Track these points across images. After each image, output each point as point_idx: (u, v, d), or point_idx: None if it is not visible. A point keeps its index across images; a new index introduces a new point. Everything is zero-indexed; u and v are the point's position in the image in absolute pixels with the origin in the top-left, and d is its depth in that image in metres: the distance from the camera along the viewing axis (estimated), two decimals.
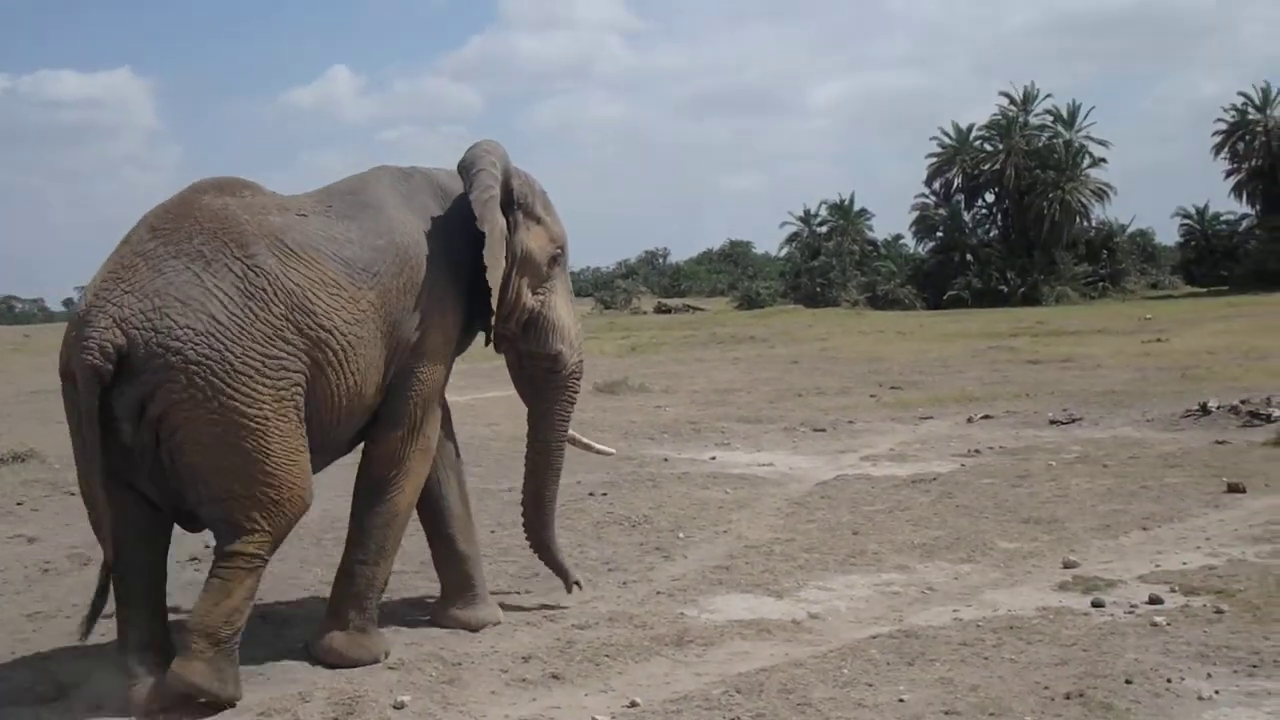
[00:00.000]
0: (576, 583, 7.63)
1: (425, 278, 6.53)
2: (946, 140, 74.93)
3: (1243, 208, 78.02)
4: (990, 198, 74.58)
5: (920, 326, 42.50)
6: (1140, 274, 78.55)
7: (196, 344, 5.56)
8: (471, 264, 6.67)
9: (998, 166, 71.53)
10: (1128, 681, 5.66)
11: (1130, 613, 6.88)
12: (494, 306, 6.73)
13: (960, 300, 65.08)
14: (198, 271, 5.72)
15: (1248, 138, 74.20)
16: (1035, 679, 5.77)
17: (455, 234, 6.75)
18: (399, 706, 5.67)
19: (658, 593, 7.70)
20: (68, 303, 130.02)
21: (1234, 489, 10.23)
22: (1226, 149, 75.51)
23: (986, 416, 16.12)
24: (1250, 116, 74.41)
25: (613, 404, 18.61)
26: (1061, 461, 12.25)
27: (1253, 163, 73.96)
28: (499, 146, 7.02)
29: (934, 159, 75.33)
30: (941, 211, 74.91)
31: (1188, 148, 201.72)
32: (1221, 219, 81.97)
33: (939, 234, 74.36)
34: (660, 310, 70.37)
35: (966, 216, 74.98)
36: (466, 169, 6.85)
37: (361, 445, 6.76)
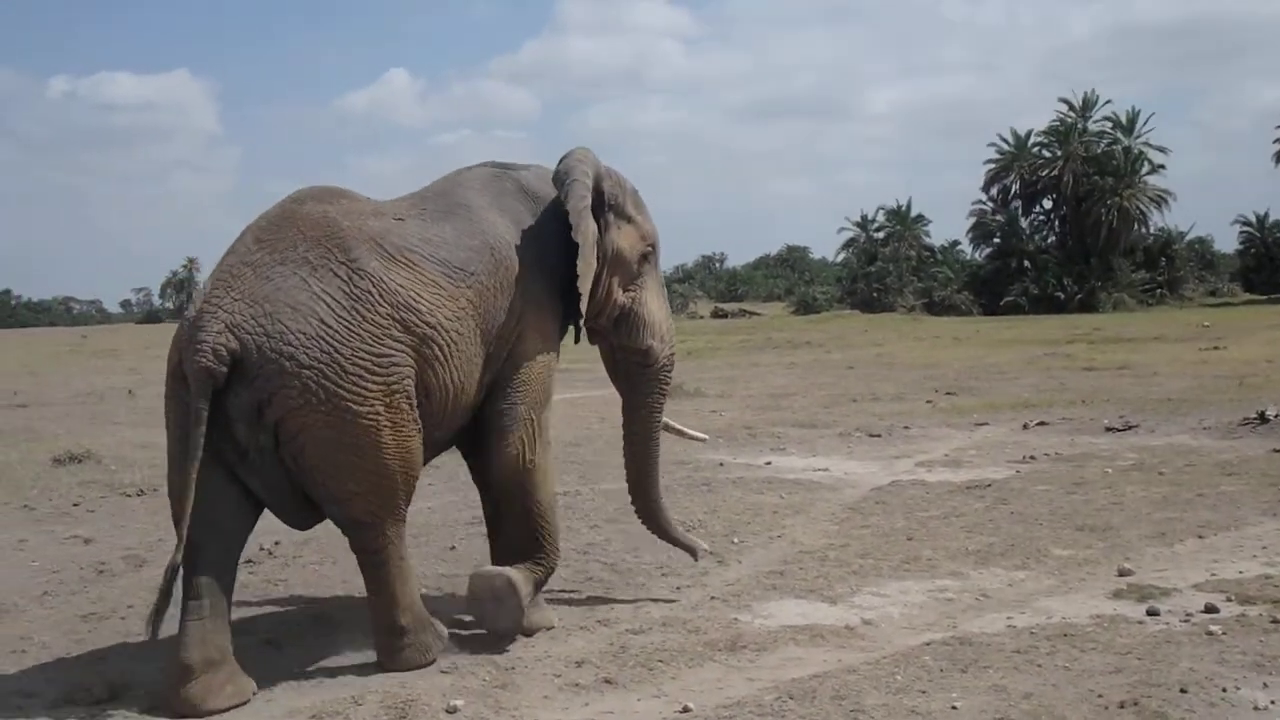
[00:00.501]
0: (708, 550, 8.18)
1: (519, 278, 6.80)
2: (1005, 146, 74.55)
3: None
4: (1048, 204, 74.10)
5: (976, 332, 42.32)
6: (1199, 281, 77.90)
7: (309, 348, 5.85)
8: (565, 266, 6.97)
9: (1056, 173, 71.07)
10: (1182, 690, 5.63)
11: (1185, 621, 6.83)
12: (583, 310, 7.02)
13: (1017, 306, 64.69)
14: (304, 277, 6.02)
15: None
16: (1089, 687, 5.75)
17: (548, 237, 7.03)
18: (452, 711, 5.71)
19: (711, 598, 7.71)
20: (125, 304, 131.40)
21: None
22: None
23: (1042, 423, 16.06)
24: None
25: (669, 408, 18.27)
26: (1117, 469, 12.18)
27: None
28: (590, 153, 7.29)
29: (992, 165, 74.94)
30: (999, 217, 74.49)
31: (1248, 155, 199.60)
32: None
33: (996, 240, 73.94)
34: (717, 315, 70.35)
35: (1024, 223, 74.55)
36: (562, 178, 7.10)
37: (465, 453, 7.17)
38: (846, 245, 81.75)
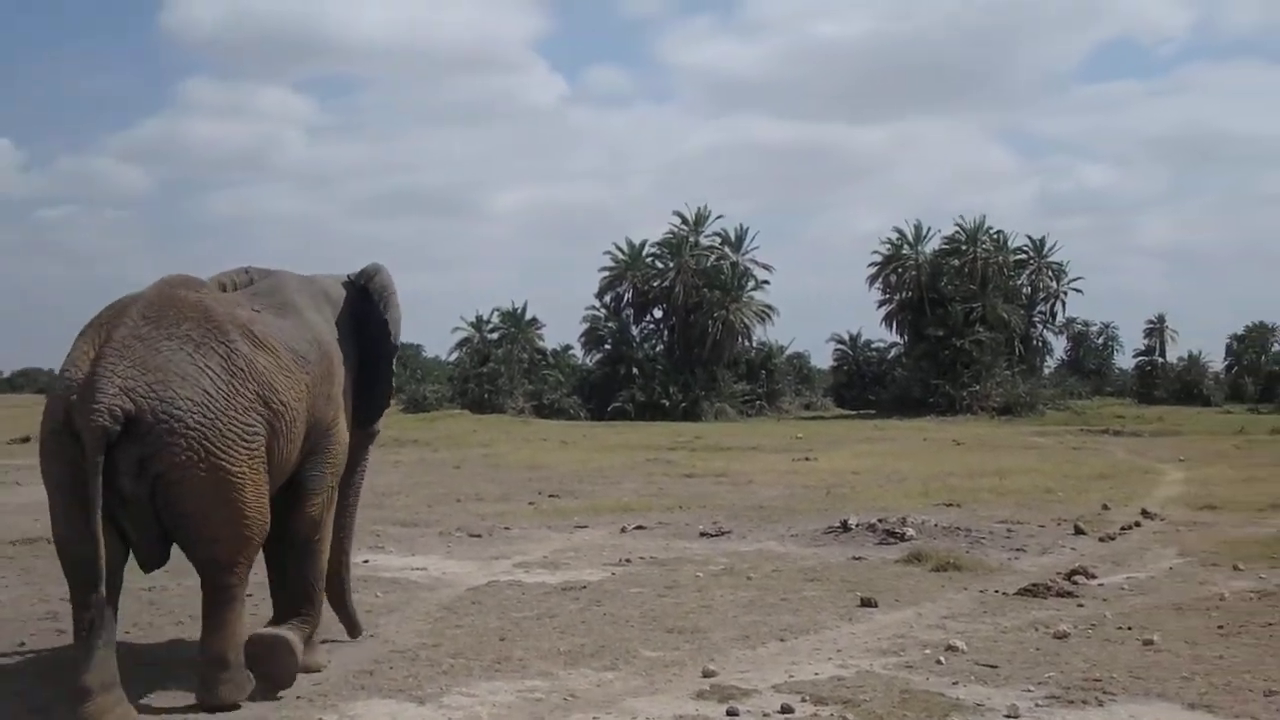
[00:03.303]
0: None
1: (333, 370, 8.21)
2: (620, 255, 76.31)
3: (892, 336, 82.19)
4: (659, 313, 76.30)
5: (584, 436, 43.16)
6: (795, 394, 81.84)
7: (194, 412, 6.82)
8: (356, 360, 8.70)
9: (667, 283, 73.42)
10: None
11: None
12: (389, 402, 9.32)
13: (624, 412, 66.06)
14: (190, 352, 7.00)
15: (900, 270, 78.28)
16: None
17: (347, 336, 8.63)
18: None
19: (298, 697, 7.61)
20: None
21: (867, 603, 10.74)
22: (880, 280, 79.46)
23: (640, 527, 16.41)
24: (904, 251, 78.53)
25: None
26: (708, 573, 12.61)
27: (903, 294, 77.97)
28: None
29: (607, 273, 76.61)
30: (611, 324, 76.09)
31: (846, 276, 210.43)
32: (873, 346, 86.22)
33: (607, 346, 75.39)
34: None
35: (634, 330, 76.47)
36: (381, 290, 8.96)
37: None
38: (460, 345, 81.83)
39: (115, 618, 6.92)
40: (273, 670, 7.52)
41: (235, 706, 7.14)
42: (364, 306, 8.94)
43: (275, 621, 8.07)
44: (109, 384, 6.67)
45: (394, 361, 9.00)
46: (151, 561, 7.26)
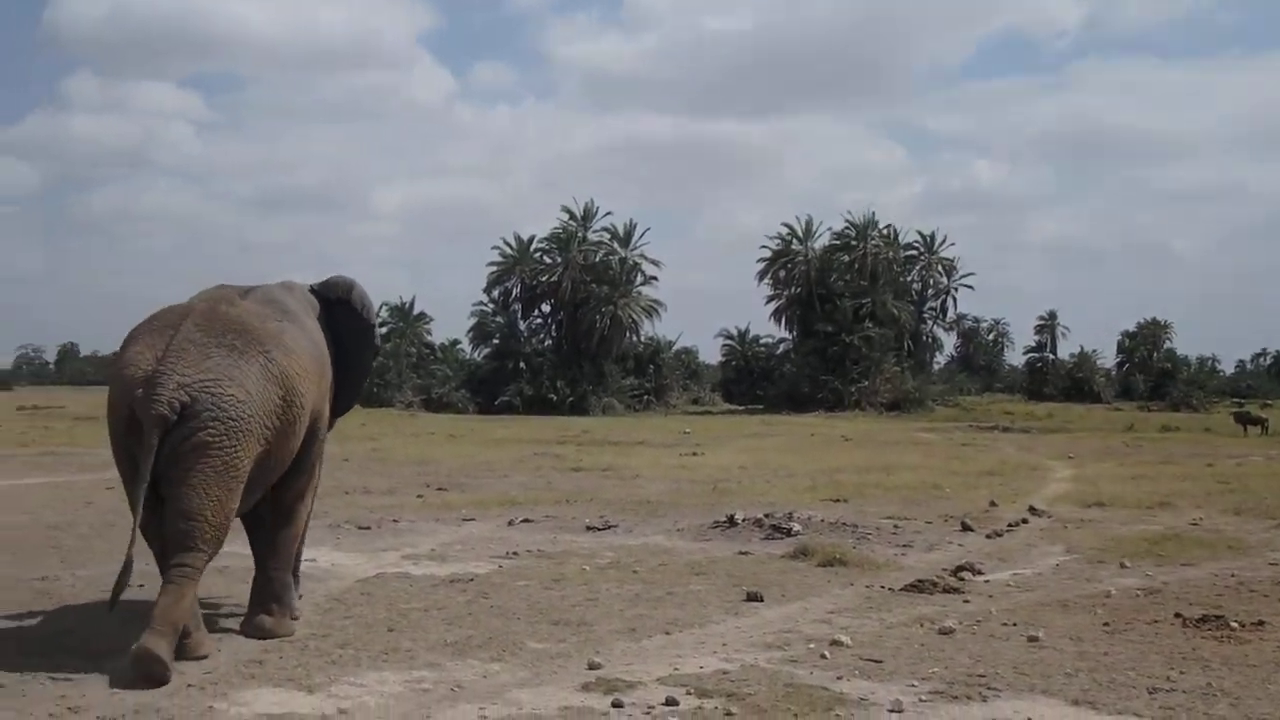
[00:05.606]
0: None
1: (327, 368, 9.50)
2: (508, 250, 76.34)
3: (781, 332, 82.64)
4: (547, 308, 76.35)
5: (471, 430, 43.05)
6: (683, 389, 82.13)
7: (236, 408, 8.09)
8: (336, 361, 9.84)
9: (555, 278, 73.42)
10: None
11: (648, 714, 7.22)
12: (358, 397, 10.82)
13: (512, 406, 66.06)
14: (235, 359, 8.24)
15: (789, 266, 78.86)
16: None
17: (331, 339, 9.79)
18: None
19: (188, 685, 7.59)
20: None
21: (753, 598, 10.82)
22: (769, 276, 79.95)
23: (527, 520, 16.42)
24: (794, 246, 79.08)
25: None
26: (595, 566, 12.65)
27: (793, 289, 78.55)
28: None
29: (495, 268, 76.57)
30: (499, 319, 76.00)
31: (735, 272, 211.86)
32: (761, 341, 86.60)
33: (495, 341, 75.37)
34: None
35: (523, 325, 76.46)
36: (362, 300, 10.25)
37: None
38: None
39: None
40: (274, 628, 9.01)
41: (159, 659, 7.55)
42: (342, 314, 10.16)
43: (257, 578, 9.39)
44: (169, 380, 7.95)
45: (370, 365, 10.93)
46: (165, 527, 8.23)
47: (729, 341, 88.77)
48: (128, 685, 7.49)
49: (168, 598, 7.82)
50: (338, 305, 10.17)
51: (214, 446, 7.99)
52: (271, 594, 9.20)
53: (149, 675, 7.49)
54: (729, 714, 7.21)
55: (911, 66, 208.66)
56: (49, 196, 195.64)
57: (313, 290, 10.22)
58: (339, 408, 10.23)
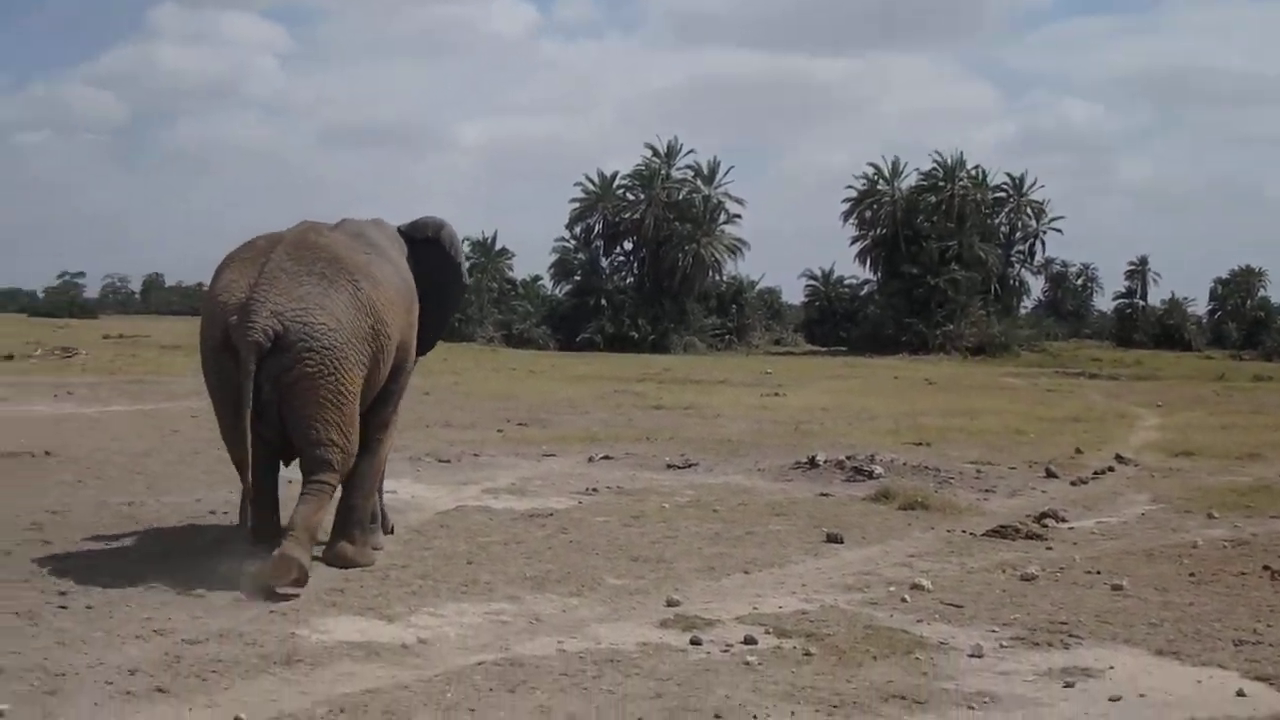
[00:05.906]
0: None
1: (414, 303, 9.65)
2: (590, 187, 76.24)
3: (866, 273, 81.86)
4: (629, 246, 76.25)
5: (552, 366, 43.20)
6: (765, 330, 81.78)
7: (329, 336, 8.38)
8: (424, 298, 9.90)
9: (638, 216, 73.24)
10: (716, 717, 6.01)
11: (726, 651, 7.21)
12: (442, 332, 11.04)
13: (592, 343, 66.20)
14: (325, 287, 8.53)
15: (875, 206, 78.01)
16: (630, 711, 6.05)
17: (419, 276, 9.87)
18: None
19: (270, 611, 7.69)
20: None
21: (832, 539, 10.78)
22: (855, 216, 79.13)
23: (607, 457, 16.42)
24: (880, 187, 78.18)
25: None
26: (674, 504, 12.64)
27: (878, 231, 77.67)
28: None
29: (577, 204, 76.52)
30: (580, 256, 76.05)
31: (819, 212, 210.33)
32: (845, 282, 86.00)
33: (576, 278, 75.48)
34: None
35: (604, 262, 76.47)
36: (451, 240, 10.58)
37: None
38: None
39: (274, 492, 9.09)
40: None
41: (298, 562, 8.11)
42: (431, 253, 10.35)
43: (340, 507, 9.34)
44: (263, 308, 8.23)
45: (460, 300, 11.25)
46: (287, 454, 8.98)
47: (812, 282, 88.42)
48: (263, 591, 8.01)
49: (307, 507, 8.41)
50: (427, 244, 10.36)
51: (318, 376, 8.34)
52: (354, 522, 9.31)
53: (289, 579, 8.05)
54: (808, 654, 7.19)
55: (1003, 3, 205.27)
56: (135, 128, 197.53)
57: (401, 231, 10.31)
58: (425, 343, 10.34)
